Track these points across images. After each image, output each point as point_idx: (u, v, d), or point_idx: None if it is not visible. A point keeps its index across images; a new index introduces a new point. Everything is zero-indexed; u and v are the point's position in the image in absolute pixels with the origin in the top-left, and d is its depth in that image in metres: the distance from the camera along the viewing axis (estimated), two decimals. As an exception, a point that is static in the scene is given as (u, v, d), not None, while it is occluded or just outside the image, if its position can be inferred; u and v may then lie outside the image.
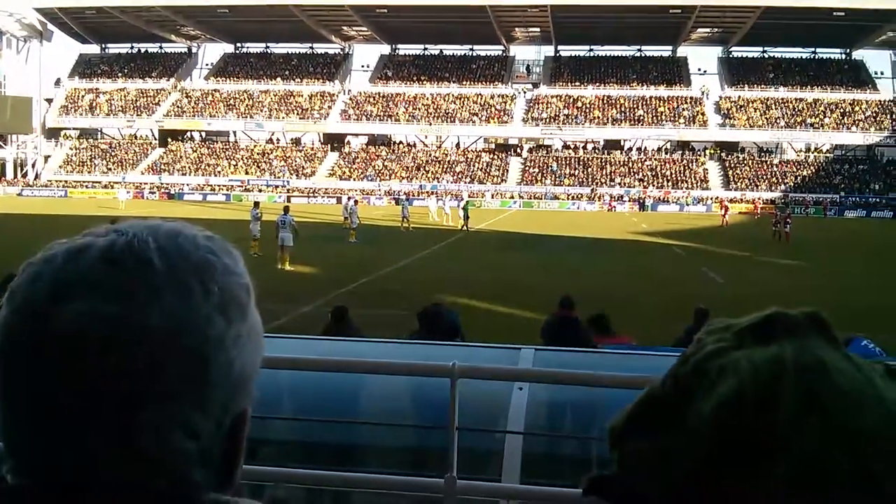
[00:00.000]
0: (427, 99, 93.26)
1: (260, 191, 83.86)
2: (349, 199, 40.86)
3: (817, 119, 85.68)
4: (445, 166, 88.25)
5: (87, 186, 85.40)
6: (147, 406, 0.75)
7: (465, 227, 43.10)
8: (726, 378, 0.62)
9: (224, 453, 0.81)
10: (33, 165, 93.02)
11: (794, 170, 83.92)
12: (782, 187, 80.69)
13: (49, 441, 0.75)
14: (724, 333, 0.67)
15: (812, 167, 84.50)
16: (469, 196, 75.45)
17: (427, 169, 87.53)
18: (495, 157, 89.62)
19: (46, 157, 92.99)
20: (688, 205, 77.54)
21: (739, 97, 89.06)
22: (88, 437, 0.75)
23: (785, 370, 0.61)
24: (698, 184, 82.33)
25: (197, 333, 0.77)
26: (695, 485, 0.62)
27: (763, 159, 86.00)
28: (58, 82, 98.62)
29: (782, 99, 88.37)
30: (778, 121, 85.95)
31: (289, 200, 76.79)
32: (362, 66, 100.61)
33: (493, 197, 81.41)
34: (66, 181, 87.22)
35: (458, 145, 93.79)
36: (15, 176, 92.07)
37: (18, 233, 31.32)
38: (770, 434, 0.59)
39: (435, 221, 49.81)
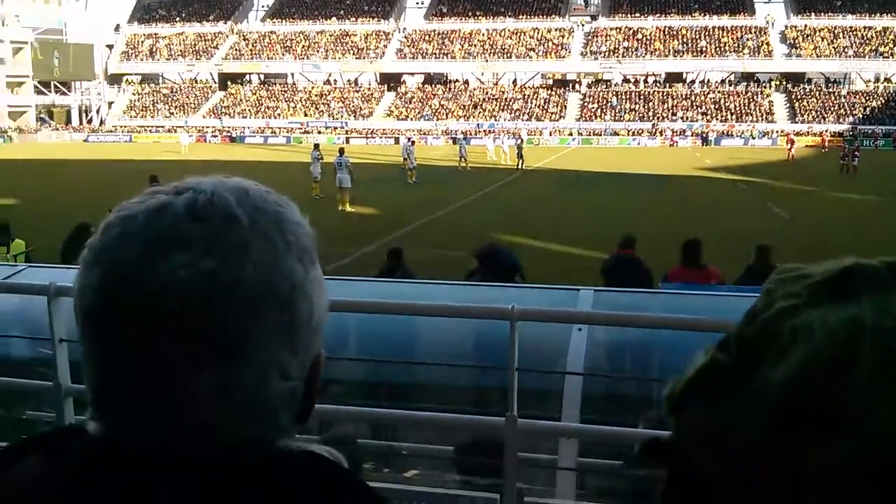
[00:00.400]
0: (483, 35, 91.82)
1: (319, 132, 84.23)
2: (408, 139, 40.79)
3: (887, 48, 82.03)
4: (502, 104, 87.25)
5: (150, 131, 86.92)
6: (247, 353, 0.78)
7: (519, 167, 42.78)
8: (798, 343, 0.59)
9: (305, 394, 0.85)
10: (97, 112, 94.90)
11: (863, 101, 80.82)
12: (850, 119, 77.89)
13: (150, 398, 0.77)
14: (796, 286, 0.62)
15: (882, 98, 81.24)
16: (528, 134, 74.72)
17: (484, 107, 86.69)
18: (553, 93, 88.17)
19: (110, 104, 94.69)
20: (752, 138, 75.50)
21: (806, 26, 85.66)
22: (193, 388, 0.77)
23: (863, 333, 0.57)
24: (763, 117, 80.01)
25: (284, 282, 0.80)
26: (755, 458, 0.59)
27: (830, 90, 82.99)
28: (117, 28, 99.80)
29: (850, 27, 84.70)
30: (846, 50, 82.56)
31: (347, 142, 77.21)
32: (417, 3, 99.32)
33: (550, 134, 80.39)
34: (129, 126, 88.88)
35: (514, 82, 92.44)
36: (80, 122, 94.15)
37: (89, 179, 32.18)
38: (843, 403, 0.56)
39: (493, 160, 49.52)
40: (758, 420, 0.59)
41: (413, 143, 38.73)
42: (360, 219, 23.16)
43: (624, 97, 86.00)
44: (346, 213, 24.35)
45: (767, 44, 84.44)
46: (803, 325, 0.59)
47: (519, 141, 46.33)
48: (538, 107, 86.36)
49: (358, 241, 18.24)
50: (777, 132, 75.62)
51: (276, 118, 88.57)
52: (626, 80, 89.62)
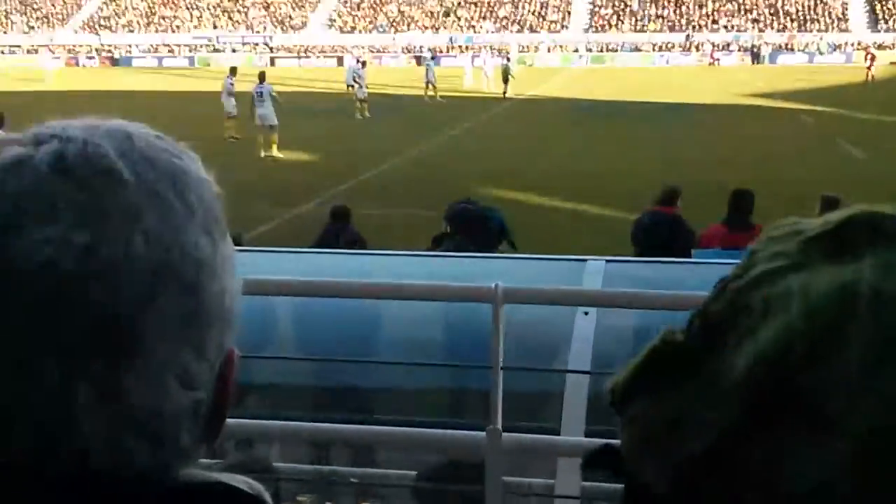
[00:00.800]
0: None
1: (234, 51, 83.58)
2: (356, 60, 40.58)
3: None
4: (483, 9, 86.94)
5: (1, 52, 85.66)
6: (137, 354, 0.78)
7: (506, 95, 42.91)
8: (770, 317, 0.58)
9: (214, 405, 0.86)
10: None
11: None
12: (953, 26, 78.76)
13: (8, 411, 0.77)
14: (787, 244, 0.62)
15: None
16: (519, 50, 74.57)
17: (458, 14, 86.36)
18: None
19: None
20: (820, 53, 75.91)
21: None
22: (65, 400, 0.76)
23: (857, 301, 0.56)
24: (834, 24, 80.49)
25: (186, 259, 0.80)
26: (711, 470, 0.59)
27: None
28: None
29: None
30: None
31: (272, 64, 76.71)
32: None
33: (550, 50, 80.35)
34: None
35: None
36: None
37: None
38: (823, 397, 0.55)
39: (471, 87, 49.40)
40: (712, 419, 0.59)
41: (363, 64, 38.58)
42: (290, 168, 23.08)
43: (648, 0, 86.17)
44: (272, 159, 24.27)
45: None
46: (781, 293, 0.59)
47: (506, 60, 46.36)
48: (532, 13, 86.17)
49: (288, 199, 18.18)
50: (853, 45, 76.09)
51: (174, 32, 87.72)
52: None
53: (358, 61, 41.14)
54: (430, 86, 41.93)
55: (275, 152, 24.72)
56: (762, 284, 0.61)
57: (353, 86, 36.78)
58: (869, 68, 54.46)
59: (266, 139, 25.11)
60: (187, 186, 0.83)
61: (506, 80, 43.63)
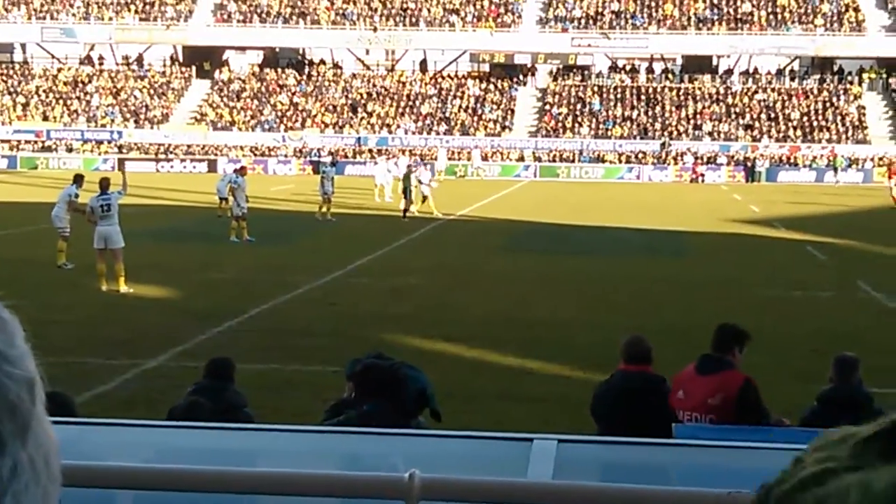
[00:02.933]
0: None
1: (70, 149, 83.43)
2: (236, 168, 40.39)
3: None
4: (403, 104, 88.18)
5: None
6: None
7: (406, 211, 42.90)
8: None
9: None
10: None
11: None
12: None
13: None
14: (836, 450, 0.68)
15: None
16: (449, 156, 75.60)
17: (370, 109, 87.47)
18: (491, 86, 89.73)
19: None
20: (832, 168, 77.88)
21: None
22: None
23: None
24: (849, 133, 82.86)
25: None
26: None
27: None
28: None
29: None
30: None
31: (121, 167, 76.61)
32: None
33: (488, 157, 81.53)
34: None
35: (423, 66, 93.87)
36: None
37: None
38: None
39: (384, 203, 49.78)
40: None
41: (242, 170, 38.40)
42: (142, 306, 22.86)
43: (612, 96, 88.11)
44: (118, 293, 24.02)
45: (856, 9, 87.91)
46: (837, 491, 0.63)
47: (406, 169, 46.50)
48: (465, 109, 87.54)
49: (135, 348, 17.99)
50: (872, 159, 78.24)
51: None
52: (615, 68, 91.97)
53: (238, 169, 41.29)
54: (325, 200, 41.92)
55: (122, 285, 24.40)
56: (810, 486, 0.66)
57: (226, 199, 36.71)
58: (893, 187, 55.30)
59: (109, 267, 24.83)
60: None
61: (406, 193, 43.42)
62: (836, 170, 76.91)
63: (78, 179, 29.09)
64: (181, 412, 9.54)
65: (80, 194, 28.17)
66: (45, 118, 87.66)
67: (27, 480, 0.83)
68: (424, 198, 44.86)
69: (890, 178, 58.36)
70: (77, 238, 27.13)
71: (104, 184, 26.47)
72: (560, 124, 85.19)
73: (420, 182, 45.19)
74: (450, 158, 78.21)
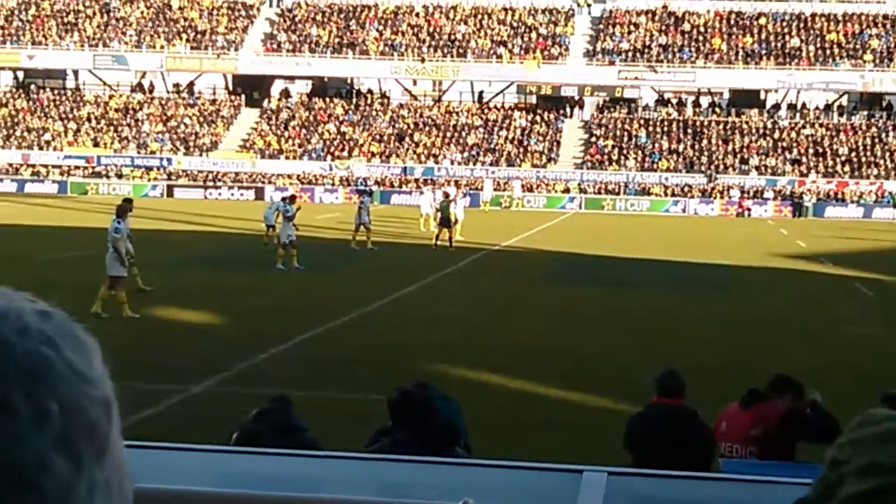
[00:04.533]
0: (419, 15, 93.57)
1: (120, 175, 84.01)
2: (288, 196, 40.40)
3: None
4: (450, 134, 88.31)
5: None
6: None
7: (438, 240, 42.55)
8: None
9: None
10: None
11: None
12: None
13: None
14: (881, 450, 0.72)
15: None
16: (494, 187, 75.58)
17: (417, 139, 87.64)
18: (538, 118, 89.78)
19: None
20: (879, 205, 77.42)
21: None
22: None
23: None
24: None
25: (20, 484, 0.77)
26: None
27: None
28: None
29: None
30: None
31: (170, 193, 77.14)
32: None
33: (533, 189, 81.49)
34: None
35: (477, 97, 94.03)
36: None
37: None
38: None
39: (429, 232, 49.78)
40: None
41: (292, 199, 38.40)
42: (187, 331, 22.94)
43: (659, 130, 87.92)
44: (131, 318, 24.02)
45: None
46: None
47: (443, 197, 46.22)
48: (511, 140, 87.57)
49: (185, 373, 18.07)
50: (892, 192, 77.74)
51: (41, 149, 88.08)
52: (662, 101, 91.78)
53: (286, 197, 41.40)
54: (362, 228, 41.91)
55: (126, 311, 24.22)
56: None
57: (273, 226, 36.77)
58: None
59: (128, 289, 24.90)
60: (48, 387, 0.82)
61: (445, 224, 43.05)
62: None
63: (125, 206, 28.74)
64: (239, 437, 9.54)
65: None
66: (96, 144, 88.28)
67: (102, 500, 0.84)
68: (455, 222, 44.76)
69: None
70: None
71: (119, 210, 26.33)
72: (606, 156, 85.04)
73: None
74: (495, 189, 78.10)
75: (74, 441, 0.82)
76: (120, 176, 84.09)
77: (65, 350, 0.85)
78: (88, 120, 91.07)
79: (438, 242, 42.47)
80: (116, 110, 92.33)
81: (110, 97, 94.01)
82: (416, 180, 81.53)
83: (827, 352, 21.85)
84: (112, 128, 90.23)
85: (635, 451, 9.50)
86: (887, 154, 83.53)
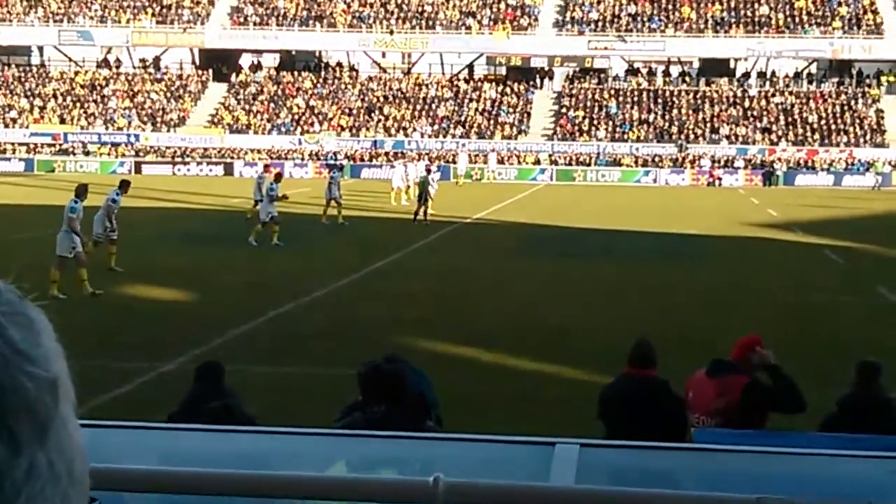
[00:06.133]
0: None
1: (87, 153, 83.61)
2: (275, 173, 39.73)
3: None
4: (420, 107, 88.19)
5: None
6: None
7: (417, 215, 42.23)
8: None
9: None
10: None
11: None
12: None
13: None
14: None
15: None
16: (469, 159, 75.53)
17: (387, 112, 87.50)
18: (508, 89, 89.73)
19: None
20: (849, 172, 77.76)
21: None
22: None
23: None
24: (867, 136, 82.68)
25: None
26: None
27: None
28: None
29: None
30: None
31: (137, 171, 76.89)
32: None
33: (503, 161, 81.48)
34: None
35: (442, 69, 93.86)
36: None
37: None
38: None
39: (400, 206, 49.68)
40: None
41: (279, 177, 37.98)
42: (158, 309, 22.91)
43: (629, 100, 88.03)
44: (94, 296, 23.78)
45: (874, 11, 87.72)
46: None
47: (424, 172, 46.00)
48: (481, 112, 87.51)
49: (157, 350, 18.02)
50: (891, 163, 78.02)
51: (7, 126, 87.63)
52: (632, 71, 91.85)
53: (265, 167, 41.28)
54: (333, 203, 41.69)
55: (87, 288, 24.01)
56: None
57: (260, 201, 36.49)
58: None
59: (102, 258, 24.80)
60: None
61: (423, 199, 42.72)
62: (879, 174, 76.42)
63: (124, 186, 28.86)
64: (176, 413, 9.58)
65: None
66: (62, 121, 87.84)
67: (44, 483, 0.82)
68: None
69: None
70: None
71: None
72: (576, 127, 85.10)
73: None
74: (471, 161, 78.12)
75: (11, 422, 0.80)
76: (87, 153, 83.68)
77: (9, 328, 0.84)
78: (54, 97, 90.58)
79: (419, 217, 42.27)
80: (82, 86, 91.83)
81: (76, 73, 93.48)
82: (388, 154, 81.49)
83: (798, 320, 21.97)
84: (78, 104, 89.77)
85: (608, 422, 9.58)
86: (857, 121, 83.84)
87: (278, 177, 37.39)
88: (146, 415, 10.42)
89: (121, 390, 15.25)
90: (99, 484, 2.90)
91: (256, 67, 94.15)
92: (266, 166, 42.52)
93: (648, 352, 9.83)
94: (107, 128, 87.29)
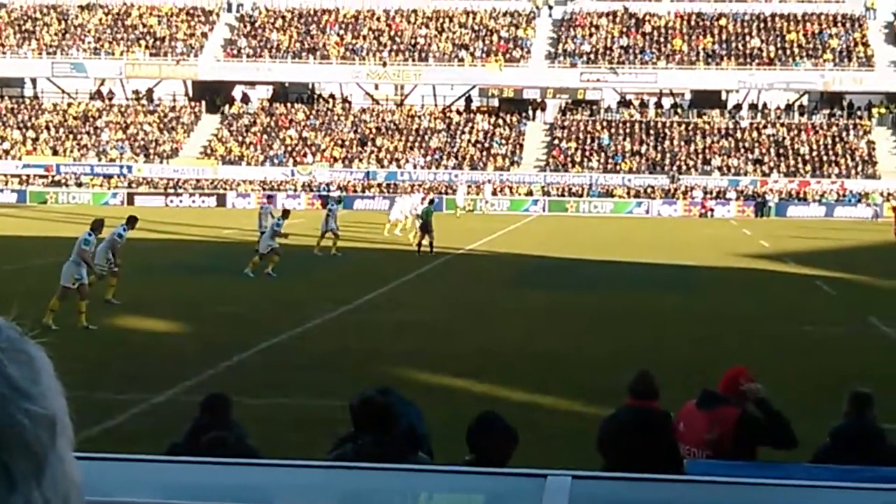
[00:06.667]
0: (380, 20, 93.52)
1: (79, 184, 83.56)
2: (283, 211, 39.81)
3: None
4: (413, 138, 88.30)
5: None
6: None
7: (420, 247, 41.93)
8: None
9: None
10: None
11: None
12: None
13: None
14: None
15: None
16: (468, 190, 75.66)
17: (379, 143, 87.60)
18: (500, 121, 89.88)
19: None
20: (841, 203, 77.92)
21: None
22: None
23: None
24: (858, 168, 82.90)
25: None
26: None
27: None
28: None
29: None
30: None
31: (129, 202, 76.79)
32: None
33: (497, 192, 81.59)
34: None
35: (435, 101, 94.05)
36: None
37: None
38: None
39: (394, 237, 49.68)
40: None
41: (286, 214, 37.96)
42: (151, 340, 22.84)
43: (622, 131, 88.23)
44: (87, 329, 23.91)
45: (865, 44, 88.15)
46: None
47: (427, 203, 45.97)
48: (474, 144, 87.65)
49: (150, 382, 17.98)
50: (883, 194, 78.20)
51: (1, 158, 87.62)
52: (624, 103, 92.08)
53: (266, 199, 41.78)
54: (331, 235, 41.64)
55: (83, 321, 23.91)
56: None
57: (264, 232, 36.75)
58: (897, 222, 55.58)
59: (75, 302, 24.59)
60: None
61: (426, 230, 42.38)
62: (876, 205, 76.48)
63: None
64: (182, 447, 9.51)
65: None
66: (55, 153, 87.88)
67: None
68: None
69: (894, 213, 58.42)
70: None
71: (95, 225, 26.16)
72: (569, 159, 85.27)
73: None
74: (469, 191, 78.27)
75: (6, 459, 0.80)
76: (80, 184, 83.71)
77: (8, 366, 0.84)
78: (47, 128, 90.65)
79: (423, 248, 42.08)
80: (75, 118, 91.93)
81: (69, 105, 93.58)
82: (380, 185, 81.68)
83: (790, 351, 21.96)
84: (71, 136, 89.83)
85: (607, 454, 9.51)
86: (848, 153, 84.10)
87: (286, 213, 37.51)
88: (138, 447, 10.40)
89: (113, 422, 15.18)
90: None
91: (246, 99, 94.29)
92: (269, 197, 42.78)
93: (649, 383, 9.77)
94: (99, 159, 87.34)
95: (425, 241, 42.20)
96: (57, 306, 23.57)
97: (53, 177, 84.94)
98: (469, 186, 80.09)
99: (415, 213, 47.58)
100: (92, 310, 24.52)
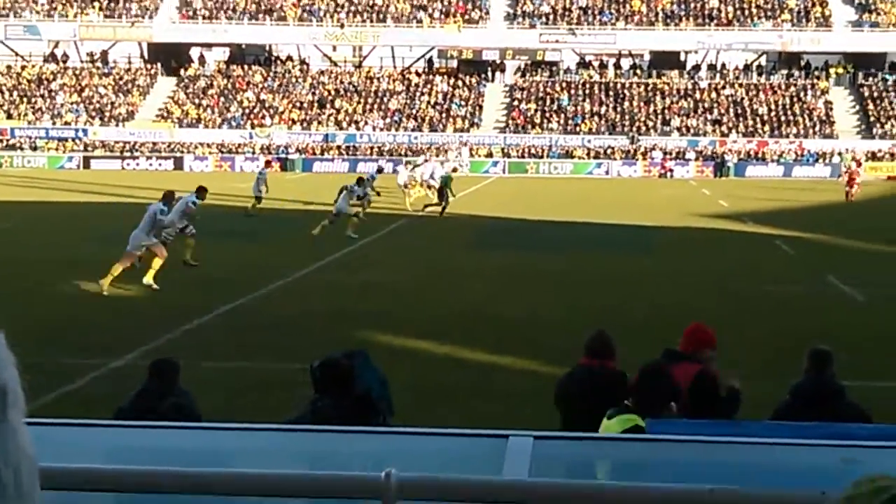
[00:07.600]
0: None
1: (34, 148, 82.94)
2: (266, 163, 41.06)
3: None
4: (371, 100, 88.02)
5: None
6: None
7: (444, 210, 43.92)
8: None
9: None
10: None
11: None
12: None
13: None
14: (873, 501, 0.70)
15: None
16: (464, 151, 76.01)
17: (338, 106, 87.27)
18: (459, 83, 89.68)
19: None
20: (799, 163, 78.26)
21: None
22: None
23: None
24: (816, 127, 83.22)
25: None
26: None
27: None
28: None
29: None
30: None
31: (86, 166, 76.29)
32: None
33: (454, 154, 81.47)
34: None
35: (394, 62, 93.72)
36: None
37: None
38: None
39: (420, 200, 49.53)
40: None
41: (268, 164, 39.00)
42: (111, 304, 22.74)
43: (580, 92, 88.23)
44: (94, 293, 23.88)
45: (823, 4, 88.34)
46: None
47: (442, 171, 47.46)
48: (433, 105, 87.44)
49: (108, 346, 17.92)
50: (840, 153, 78.56)
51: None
52: (583, 64, 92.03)
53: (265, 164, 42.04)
54: (259, 198, 42.20)
55: (150, 277, 24.36)
56: None
57: (260, 198, 37.12)
58: (850, 185, 55.78)
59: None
60: None
61: (443, 197, 44.43)
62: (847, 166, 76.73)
63: (200, 191, 29.08)
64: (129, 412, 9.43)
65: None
66: (9, 116, 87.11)
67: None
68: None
69: (846, 176, 58.53)
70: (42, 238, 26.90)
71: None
72: (528, 120, 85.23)
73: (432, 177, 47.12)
74: (416, 152, 78.06)
75: None
76: (34, 148, 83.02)
77: None
78: (1, 91, 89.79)
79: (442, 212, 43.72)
80: (29, 81, 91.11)
81: (23, 68, 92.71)
82: (338, 147, 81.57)
83: (750, 310, 22.08)
84: (25, 99, 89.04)
85: (564, 411, 9.54)
86: (806, 113, 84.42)
87: (268, 164, 38.18)
88: (95, 411, 10.32)
89: (71, 386, 15.13)
90: (43, 483, 2.84)
91: (202, 61, 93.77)
92: (267, 161, 42.73)
93: (607, 342, 9.81)
94: (54, 123, 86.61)
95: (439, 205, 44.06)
96: (118, 271, 23.78)
97: (8, 140, 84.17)
98: (422, 148, 79.81)
99: (426, 180, 48.40)
100: (49, 274, 24.42)
